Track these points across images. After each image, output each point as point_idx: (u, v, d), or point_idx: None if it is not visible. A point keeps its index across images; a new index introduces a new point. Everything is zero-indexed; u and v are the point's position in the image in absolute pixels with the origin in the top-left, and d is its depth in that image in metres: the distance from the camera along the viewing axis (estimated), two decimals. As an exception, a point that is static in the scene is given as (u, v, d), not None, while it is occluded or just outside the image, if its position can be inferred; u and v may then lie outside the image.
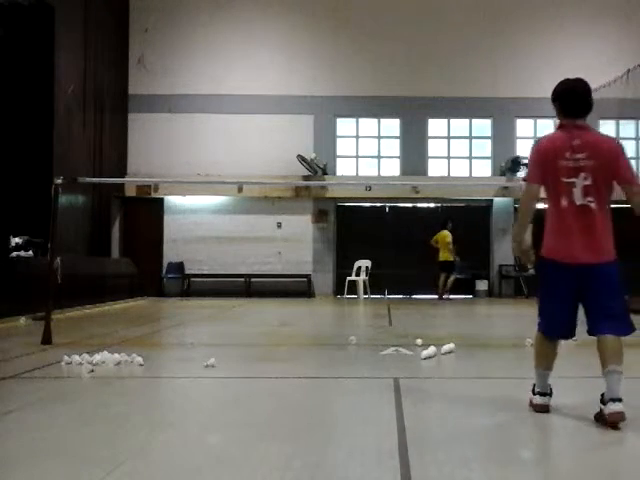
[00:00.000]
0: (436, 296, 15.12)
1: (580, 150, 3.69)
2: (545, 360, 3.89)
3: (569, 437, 3.56)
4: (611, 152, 3.72)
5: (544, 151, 3.81)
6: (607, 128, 16.93)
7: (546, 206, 3.86)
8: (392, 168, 16.90)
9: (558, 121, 3.87)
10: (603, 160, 3.68)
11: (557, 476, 2.89)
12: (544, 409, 3.86)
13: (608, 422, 3.48)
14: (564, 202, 3.72)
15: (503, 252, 15.91)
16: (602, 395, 3.56)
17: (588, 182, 3.67)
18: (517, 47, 16.61)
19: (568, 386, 4.55)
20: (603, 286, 3.69)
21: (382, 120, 16.98)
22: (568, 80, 3.90)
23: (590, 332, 3.77)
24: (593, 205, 3.68)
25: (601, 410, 3.54)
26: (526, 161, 16.33)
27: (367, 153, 17.10)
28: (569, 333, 3.87)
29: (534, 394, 3.92)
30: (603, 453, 3.25)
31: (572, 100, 3.81)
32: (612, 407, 3.46)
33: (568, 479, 2.89)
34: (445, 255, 15.02)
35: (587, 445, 3.39)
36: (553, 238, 3.80)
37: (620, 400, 3.47)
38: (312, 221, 16.62)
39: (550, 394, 3.92)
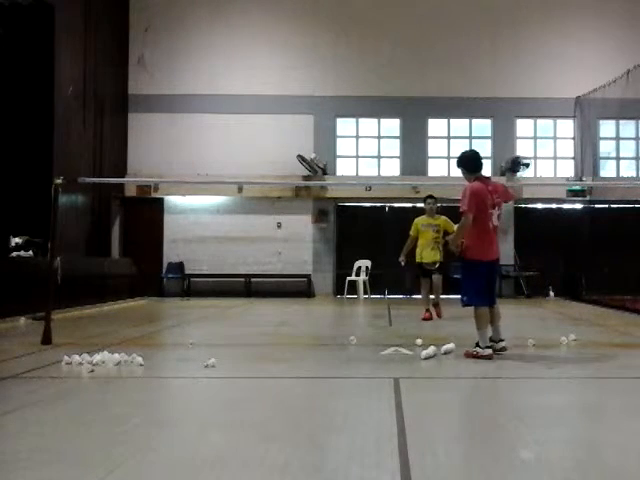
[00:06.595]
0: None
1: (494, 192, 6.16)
2: (487, 322, 6.01)
3: (567, 435, 3.56)
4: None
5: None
6: (607, 128, 16.97)
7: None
8: (392, 168, 16.89)
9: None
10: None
11: (557, 475, 2.88)
12: (492, 356, 5.83)
13: (500, 351, 6.02)
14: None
15: (503, 252, 15.83)
16: (491, 339, 6.06)
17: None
18: (517, 47, 16.60)
19: (572, 385, 4.55)
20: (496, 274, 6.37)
21: (382, 120, 16.97)
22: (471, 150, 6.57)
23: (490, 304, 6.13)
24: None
25: (493, 346, 6.02)
26: (526, 161, 16.45)
27: (367, 153, 17.10)
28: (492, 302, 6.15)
29: (482, 349, 5.86)
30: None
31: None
32: (502, 344, 6.12)
33: (568, 479, 2.88)
34: None
35: (592, 445, 3.38)
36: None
37: (504, 340, 6.16)
38: (312, 221, 16.61)
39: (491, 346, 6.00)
